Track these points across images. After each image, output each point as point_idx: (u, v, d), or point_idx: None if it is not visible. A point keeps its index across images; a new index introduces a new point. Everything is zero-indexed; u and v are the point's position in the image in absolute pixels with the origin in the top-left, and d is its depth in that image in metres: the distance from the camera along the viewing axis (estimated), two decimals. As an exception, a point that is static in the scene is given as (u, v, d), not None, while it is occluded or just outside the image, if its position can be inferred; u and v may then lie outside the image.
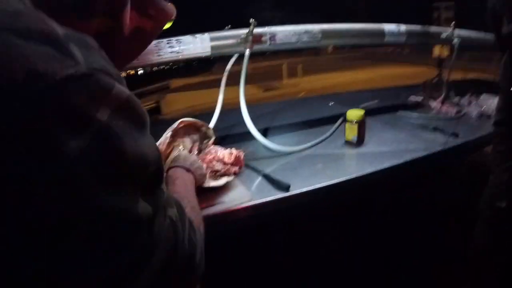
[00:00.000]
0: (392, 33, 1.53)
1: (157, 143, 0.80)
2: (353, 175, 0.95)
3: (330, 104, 1.93)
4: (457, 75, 1.76)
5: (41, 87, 0.26)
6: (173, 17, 0.48)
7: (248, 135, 1.16)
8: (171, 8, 0.47)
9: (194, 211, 0.55)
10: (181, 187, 0.64)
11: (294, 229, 0.93)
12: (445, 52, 1.79)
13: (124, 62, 0.46)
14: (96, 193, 0.28)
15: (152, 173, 0.35)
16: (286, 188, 0.87)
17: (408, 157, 1.07)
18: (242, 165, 0.95)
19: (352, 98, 1.96)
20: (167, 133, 0.82)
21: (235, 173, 0.90)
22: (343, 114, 1.52)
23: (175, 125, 0.85)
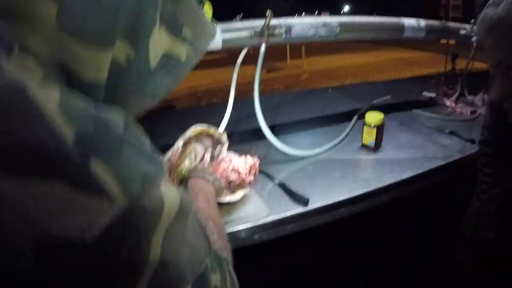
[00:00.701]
0: (411, 28, 1.45)
1: (169, 154, 0.74)
2: (374, 187, 0.90)
3: (329, 91, 1.88)
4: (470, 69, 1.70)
5: (66, 261, 0.19)
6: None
7: (259, 133, 1.09)
8: (212, 29, 0.39)
9: (221, 237, 0.49)
10: (204, 203, 0.59)
11: (312, 241, 0.89)
12: (453, 40, 1.72)
13: (151, 101, 0.34)
14: None
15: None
16: (306, 202, 0.82)
17: (427, 165, 1.02)
18: (257, 173, 0.90)
19: (363, 92, 1.89)
20: (179, 142, 0.76)
21: (250, 183, 0.84)
22: (356, 111, 1.47)
23: (186, 134, 0.78)
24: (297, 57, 15.47)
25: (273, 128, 1.11)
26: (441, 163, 1.05)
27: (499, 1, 0.82)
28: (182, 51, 0.33)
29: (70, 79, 0.24)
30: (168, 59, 0.32)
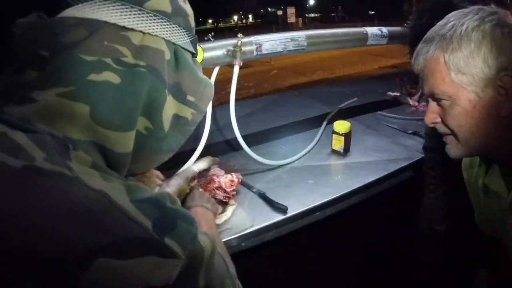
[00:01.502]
0: (375, 36, 1.56)
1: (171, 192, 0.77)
2: (343, 191, 1.00)
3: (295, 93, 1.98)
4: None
5: None
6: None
7: (235, 143, 1.17)
8: (211, 91, 0.47)
9: (224, 254, 0.58)
10: (208, 228, 0.67)
11: (291, 244, 0.98)
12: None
13: (167, 156, 0.45)
14: None
15: None
16: (285, 210, 0.91)
17: (391, 167, 1.14)
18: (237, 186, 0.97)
19: (331, 94, 2.00)
20: (180, 180, 0.79)
21: (232, 196, 0.92)
22: (325, 115, 1.58)
23: (188, 174, 0.81)
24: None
25: (247, 138, 1.18)
26: (403, 164, 1.16)
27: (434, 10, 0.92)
28: (188, 113, 0.42)
29: (105, 153, 0.35)
30: (177, 120, 0.42)
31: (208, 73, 1.19)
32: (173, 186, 0.73)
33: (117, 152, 0.35)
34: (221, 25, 62.82)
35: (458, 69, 0.55)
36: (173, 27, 0.39)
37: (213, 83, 1.18)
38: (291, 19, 30.67)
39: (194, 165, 0.84)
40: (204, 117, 1.17)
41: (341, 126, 1.21)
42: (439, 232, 1.06)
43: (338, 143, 1.23)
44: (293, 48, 1.34)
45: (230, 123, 1.14)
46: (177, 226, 0.32)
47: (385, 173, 1.10)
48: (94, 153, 0.34)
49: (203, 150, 1.08)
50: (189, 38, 0.43)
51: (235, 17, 55.59)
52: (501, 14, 0.57)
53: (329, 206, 0.97)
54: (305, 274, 1.02)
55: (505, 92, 0.53)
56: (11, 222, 0.26)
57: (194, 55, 0.46)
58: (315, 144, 1.32)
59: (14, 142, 0.29)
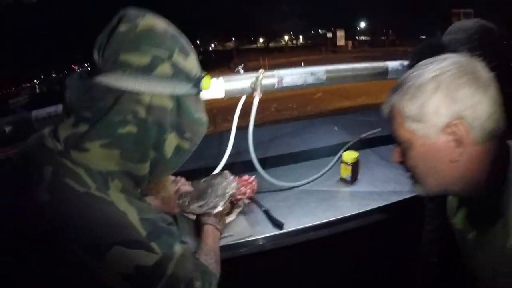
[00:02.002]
0: (395, 71, 1.64)
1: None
2: (338, 216, 1.11)
3: (335, 129, 2.07)
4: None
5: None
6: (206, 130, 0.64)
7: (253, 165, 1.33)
8: (204, 129, 0.63)
9: (216, 262, 0.83)
10: (213, 243, 0.91)
11: (284, 257, 1.10)
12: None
13: (172, 172, 0.64)
14: None
15: None
16: (281, 226, 1.04)
17: (393, 198, 1.22)
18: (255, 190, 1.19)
19: (357, 123, 2.09)
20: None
21: (239, 201, 1.12)
22: (344, 144, 1.68)
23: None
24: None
25: (266, 160, 1.33)
26: (406, 196, 1.24)
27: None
28: (186, 145, 0.60)
29: (132, 177, 0.56)
30: (178, 149, 0.60)
31: (235, 100, 1.38)
32: (222, 207, 1.00)
33: (140, 175, 0.57)
34: (271, 44, 64.38)
35: (413, 118, 0.64)
36: (175, 84, 0.55)
37: (238, 112, 1.37)
38: (341, 41, 30.73)
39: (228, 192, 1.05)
40: (228, 138, 1.35)
41: (349, 156, 1.32)
42: (433, 264, 1.12)
43: (345, 172, 1.33)
44: (312, 82, 1.48)
45: (260, 144, 1.31)
46: (161, 237, 0.53)
47: (385, 203, 1.19)
48: (124, 178, 0.55)
49: (227, 166, 1.27)
50: (192, 83, 0.59)
51: (286, 37, 56.68)
52: (466, 63, 0.62)
53: (323, 228, 1.08)
54: (293, 285, 1.13)
55: (457, 139, 0.61)
56: (77, 222, 0.47)
57: (198, 92, 0.62)
58: (327, 171, 1.43)
59: (78, 175, 0.50)
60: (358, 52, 29.06)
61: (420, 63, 0.68)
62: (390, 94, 0.70)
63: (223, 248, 0.95)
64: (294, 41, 59.96)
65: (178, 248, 0.55)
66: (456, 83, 0.60)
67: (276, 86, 1.42)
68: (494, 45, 1.02)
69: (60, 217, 0.47)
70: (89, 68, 0.55)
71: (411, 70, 0.68)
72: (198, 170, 1.41)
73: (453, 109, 0.60)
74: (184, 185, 1.03)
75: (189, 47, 0.59)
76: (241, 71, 1.46)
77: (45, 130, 0.57)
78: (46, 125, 1.33)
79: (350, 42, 34.87)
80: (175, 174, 1.03)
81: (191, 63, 0.58)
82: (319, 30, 59.66)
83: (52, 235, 0.46)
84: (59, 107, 0.55)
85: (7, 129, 1.49)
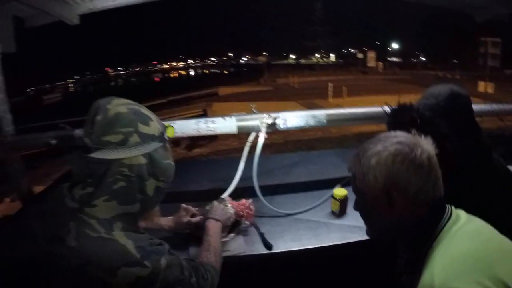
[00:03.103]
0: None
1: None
2: (321, 245, 1.32)
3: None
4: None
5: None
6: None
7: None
8: (172, 170, 0.88)
9: (215, 256, 1.05)
10: (213, 237, 1.12)
11: (272, 273, 1.33)
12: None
13: (154, 206, 0.90)
14: None
15: None
16: (270, 247, 1.28)
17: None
18: (252, 212, 1.42)
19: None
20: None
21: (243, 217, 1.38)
22: (343, 178, 1.87)
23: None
24: (339, 96, 15.67)
25: (270, 187, 1.56)
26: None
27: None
28: (161, 184, 0.85)
29: (130, 214, 0.82)
30: (157, 188, 0.84)
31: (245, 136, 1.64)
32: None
33: (134, 213, 0.82)
34: (302, 61, 64.90)
35: (359, 179, 0.85)
36: (144, 146, 0.80)
37: (248, 147, 1.62)
38: (371, 63, 30.60)
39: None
40: (239, 165, 1.60)
41: (339, 192, 1.53)
42: None
43: (335, 206, 1.54)
44: (314, 124, 1.72)
45: (268, 172, 1.55)
46: (150, 256, 0.76)
47: (365, 238, 1.38)
48: (123, 218, 0.79)
49: (234, 191, 1.54)
50: (158, 140, 0.84)
51: (317, 55, 57.01)
52: (407, 143, 0.81)
53: (305, 253, 1.30)
54: None
55: (389, 200, 0.82)
56: (96, 257, 0.72)
57: (164, 144, 0.87)
58: (319, 204, 1.64)
59: (91, 225, 0.75)
60: (388, 74, 28.78)
61: (377, 137, 0.89)
62: (352, 156, 0.92)
63: (225, 259, 1.19)
64: (325, 59, 60.14)
65: (163, 261, 0.79)
66: (390, 161, 0.81)
67: (281, 126, 1.67)
68: (459, 112, 1.18)
69: (85, 255, 0.74)
70: (84, 146, 0.80)
71: (369, 141, 0.90)
72: (210, 191, 1.68)
73: (388, 178, 0.81)
74: (193, 215, 1.31)
75: (150, 114, 0.85)
76: (255, 110, 1.72)
77: (63, 189, 0.82)
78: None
79: (380, 63, 34.73)
80: (188, 200, 1.30)
81: (153, 126, 0.84)
82: (351, 50, 59.71)
83: (82, 266, 0.73)
84: (85, 126, 0.81)
85: (53, 142, 1.84)
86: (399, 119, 1.16)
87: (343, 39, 56.52)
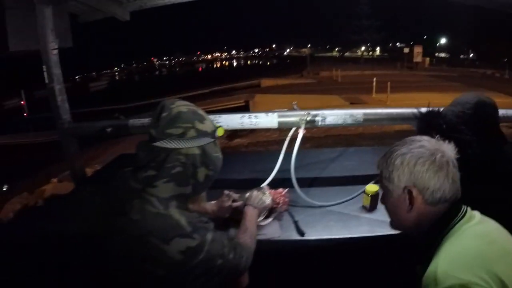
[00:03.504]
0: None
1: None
2: (349, 236, 1.43)
3: None
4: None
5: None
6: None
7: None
8: (220, 162, 1.03)
9: (250, 239, 1.19)
10: (250, 221, 1.28)
11: (303, 257, 1.46)
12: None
13: (202, 191, 1.04)
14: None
15: None
16: (302, 234, 1.41)
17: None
18: (286, 201, 1.57)
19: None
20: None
21: (279, 206, 1.52)
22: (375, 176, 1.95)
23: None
24: (383, 92, 15.19)
25: (307, 180, 1.67)
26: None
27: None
28: (211, 173, 1.00)
29: (183, 196, 0.98)
30: (206, 176, 0.99)
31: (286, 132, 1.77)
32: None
33: (186, 194, 0.97)
34: (347, 54, 63.06)
35: (385, 178, 0.97)
36: (199, 139, 0.95)
37: (287, 142, 1.75)
38: (417, 58, 29.03)
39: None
40: (278, 158, 1.74)
41: (371, 188, 1.61)
42: None
43: (366, 201, 1.63)
44: (351, 122, 1.80)
45: (306, 165, 1.68)
46: (198, 231, 0.90)
47: (392, 232, 1.46)
48: (178, 198, 0.93)
49: (273, 181, 1.69)
50: (210, 136, 0.99)
51: (362, 48, 55.11)
52: (429, 147, 0.91)
53: (334, 242, 1.41)
54: (303, 280, 1.48)
55: (410, 198, 0.92)
56: (156, 228, 0.88)
57: (215, 140, 1.02)
58: (353, 198, 1.73)
59: (152, 202, 0.89)
60: (434, 71, 27.23)
61: (404, 140, 1.00)
62: (380, 157, 1.03)
63: (257, 243, 1.33)
64: (370, 53, 57.96)
65: (209, 236, 0.93)
66: (414, 162, 0.91)
67: (319, 123, 1.77)
68: (484, 120, 1.23)
69: (146, 227, 0.88)
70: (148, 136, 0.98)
71: (397, 143, 1.00)
72: (251, 180, 1.84)
73: (409, 178, 0.92)
74: (234, 201, 1.46)
75: (205, 115, 1.01)
76: (296, 107, 1.84)
77: (127, 173, 0.98)
78: (139, 131, 1.87)
79: (427, 59, 32.87)
80: (230, 188, 1.47)
81: (207, 125, 1.00)
82: (397, 44, 56.96)
83: (143, 236, 0.87)
84: (151, 120, 0.98)
85: (108, 130, 2.09)
86: (426, 124, 1.23)
87: (389, 33, 53.84)
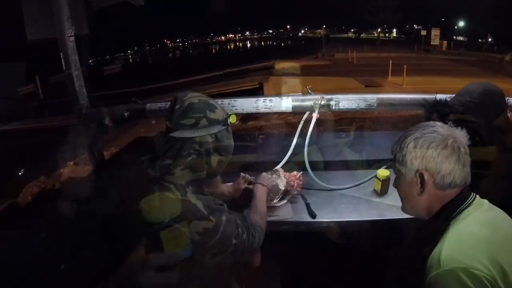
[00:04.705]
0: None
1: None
2: (358, 219, 1.46)
3: None
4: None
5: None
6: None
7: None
8: (232, 148, 1.09)
9: (261, 218, 1.23)
10: (259, 200, 1.32)
11: (313, 238, 1.51)
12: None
13: (216, 175, 1.13)
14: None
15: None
16: (314, 216, 1.46)
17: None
18: (301, 184, 1.61)
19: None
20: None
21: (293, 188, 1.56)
22: (388, 160, 1.96)
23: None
24: (399, 75, 14.85)
25: (321, 163, 1.71)
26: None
27: None
28: (223, 158, 1.09)
29: (198, 180, 1.06)
30: (220, 161, 1.08)
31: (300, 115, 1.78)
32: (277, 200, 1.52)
33: (202, 179, 1.04)
34: (363, 35, 61.42)
35: (398, 161, 0.99)
36: (211, 128, 1.01)
37: (301, 124, 1.78)
38: (435, 41, 28.05)
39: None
40: (291, 141, 1.77)
41: (382, 173, 1.63)
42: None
43: (377, 185, 1.66)
44: (364, 107, 1.81)
45: (319, 149, 1.78)
46: (214, 213, 0.98)
47: (400, 217, 1.49)
48: (194, 183, 1.02)
49: (286, 164, 1.73)
50: (222, 124, 1.05)
51: (378, 30, 53.50)
52: (442, 132, 0.93)
53: (344, 224, 1.46)
54: (314, 260, 1.54)
55: (421, 181, 0.95)
56: (173, 212, 0.95)
57: (227, 127, 1.08)
58: (364, 182, 1.76)
59: (170, 189, 0.99)
60: (451, 55, 26.35)
61: (417, 125, 1.02)
62: (394, 141, 1.05)
63: (270, 224, 1.39)
64: (386, 35, 56.24)
65: (224, 217, 1.00)
66: (426, 146, 0.94)
67: (333, 107, 1.79)
68: (491, 109, 1.24)
69: (166, 212, 0.95)
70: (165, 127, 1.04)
71: (411, 128, 1.02)
72: (266, 162, 1.88)
73: (421, 162, 0.94)
74: (250, 183, 1.49)
75: (216, 104, 1.06)
76: (310, 91, 1.85)
77: (144, 163, 1.04)
78: (156, 115, 1.92)
79: (445, 42, 31.72)
80: (246, 170, 1.52)
81: (218, 113, 1.05)
82: (414, 26, 54.98)
83: (165, 221, 0.95)
84: (167, 104, 1.06)
85: (126, 114, 2.14)
86: (432, 112, 1.25)
87: (407, 14, 51.90)
